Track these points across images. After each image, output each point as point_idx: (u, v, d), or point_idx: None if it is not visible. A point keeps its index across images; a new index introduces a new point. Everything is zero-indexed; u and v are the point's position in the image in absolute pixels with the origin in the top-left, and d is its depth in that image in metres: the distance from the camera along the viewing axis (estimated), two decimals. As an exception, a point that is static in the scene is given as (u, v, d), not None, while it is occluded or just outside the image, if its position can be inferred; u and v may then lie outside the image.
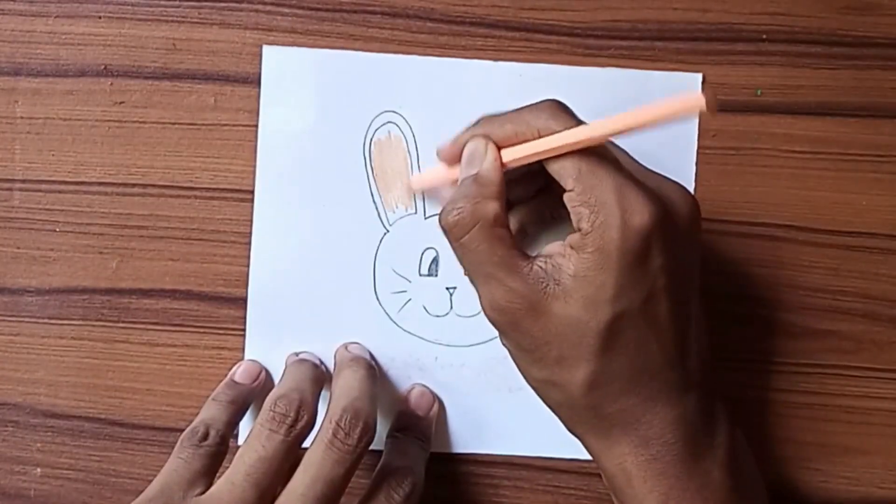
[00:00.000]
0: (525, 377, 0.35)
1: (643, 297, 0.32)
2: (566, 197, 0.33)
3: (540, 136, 0.33)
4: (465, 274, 0.35)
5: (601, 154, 0.33)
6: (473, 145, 0.35)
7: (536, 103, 0.35)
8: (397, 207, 0.42)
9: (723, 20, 0.42)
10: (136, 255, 0.42)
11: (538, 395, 0.35)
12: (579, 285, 0.32)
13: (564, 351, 0.33)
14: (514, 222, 0.38)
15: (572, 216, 0.33)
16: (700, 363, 0.35)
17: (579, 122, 0.33)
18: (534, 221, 0.38)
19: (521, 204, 0.38)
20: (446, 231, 0.34)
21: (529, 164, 0.34)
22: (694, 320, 0.35)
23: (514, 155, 0.34)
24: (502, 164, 0.35)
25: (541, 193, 0.38)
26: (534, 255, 0.34)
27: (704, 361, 0.35)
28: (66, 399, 0.42)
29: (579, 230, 0.32)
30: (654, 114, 0.30)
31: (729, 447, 0.35)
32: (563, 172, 0.33)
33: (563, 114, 0.34)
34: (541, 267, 0.33)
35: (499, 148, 0.35)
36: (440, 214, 0.34)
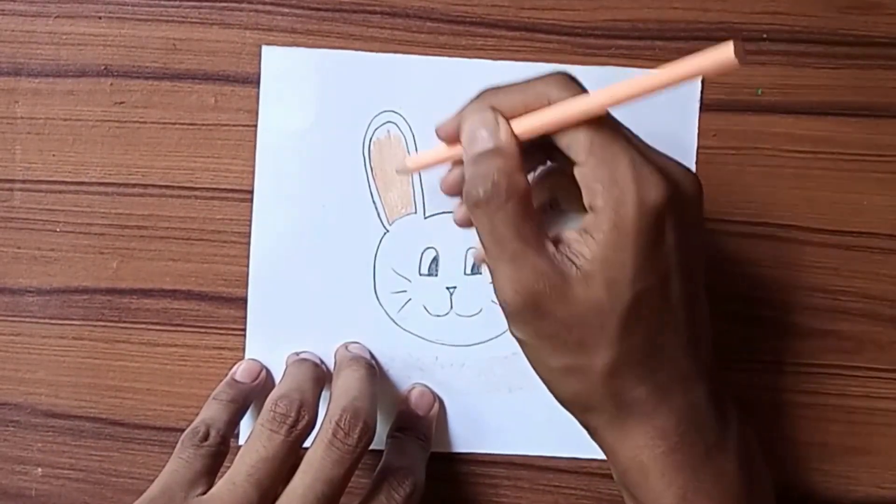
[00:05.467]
0: (539, 369, 0.34)
1: (660, 277, 0.32)
2: (577, 172, 0.32)
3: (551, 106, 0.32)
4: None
5: (614, 128, 0.32)
6: (481, 117, 0.33)
7: (545, 75, 0.33)
8: (398, 208, 0.42)
9: (723, 20, 0.42)
10: (136, 256, 0.42)
11: (552, 388, 0.34)
12: (600, 267, 0.31)
13: (585, 336, 0.32)
14: None
15: (584, 192, 0.31)
16: (708, 352, 0.34)
17: (585, 91, 0.32)
18: (538, 203, 0.36)
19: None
20: (478, 206, 0.32)
21: (532, 140, 0.33)
22: (701, 305, 0.34)
23: (527, 126, 0.32)
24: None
25: (543, 175, 0.36)
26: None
27: (710, 351, 0.35)
28: (66, 399, 0.42)
29: (591, 207, 0.31)
30: (683, 70, 0.28)
31: (740, 440, 0.34)
32: (575, 145, 0.31)
33: (574, 84, 0.32)
34: (563, 252, 0.32)
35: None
36: (466, 188, 0.32)
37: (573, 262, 0.31)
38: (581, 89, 0.32)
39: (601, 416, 0.34)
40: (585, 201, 0.32)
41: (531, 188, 0.32)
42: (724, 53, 0.26)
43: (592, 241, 0.31)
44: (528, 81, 0.33)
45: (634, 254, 0.31)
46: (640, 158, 0.31)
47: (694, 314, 0.33)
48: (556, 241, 0.32)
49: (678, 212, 0.31)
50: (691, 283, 0.33)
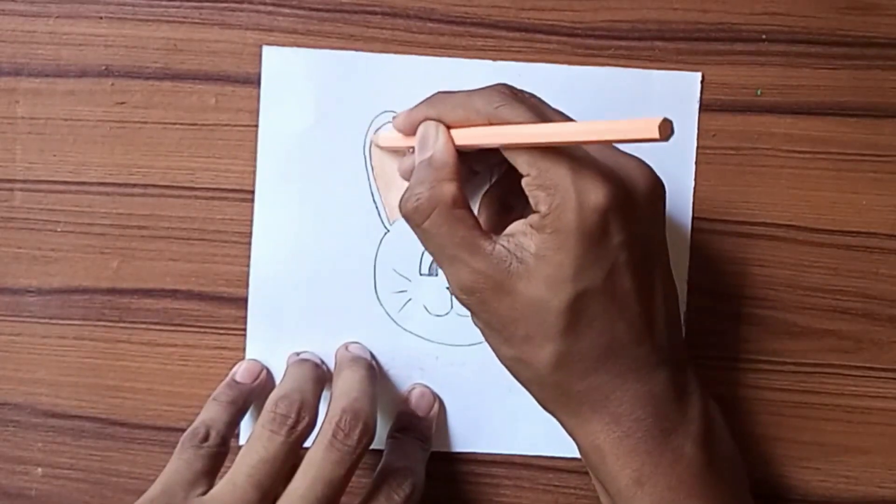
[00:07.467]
0: (496, 355, 0.36)
1: (604, 274, 0.33)
2: (523, 182, 0.33)
3: (490, 123, 0.34)
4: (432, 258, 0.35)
5: None
6: (424, 129, 0.36)
7: (486, 88, 0.35)
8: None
9: (723, 20, 0.42)
10: (136, 255, 0.42)
11: (510, 372, 0.36)
12: (540, 265, 0.32)
13: (530, 330, 0.33)
14: (494, 197, 0.39)
15: (530, 199, 0.33)
16: (669, 338, 0.35)
17: (528, 111, 0.33)
18: (515, 193, 0.38)
19: (501, 177, 0.39)
20: (407, 218, 0.35)
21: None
22: (661, 295, 0.35)
23: (466, 140, 0.35)
24: (455, 146, 0.35)
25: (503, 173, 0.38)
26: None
27: (674, 336, 0.35)
28: (67, 399, 0.42)
29: (538, 212, 0.33)
30: (611, 130, 0.30)
31: (702, 422, 0.35)
32: (518, 157, 0.33)
33: (514, 102, 0.34)
34: (504, 246, 0.33)
35: (454, 128, 0.35)
36: (400, 202, 0.35)
37: (516, 256, 0.33)
38: (521, 103, 0.34)
39: (554, 403, 0.35)
40: (532, 206, 0.33)
41: (461, 195, 0.34)
42: (650, 126, 0.27)
43: (537, 237, 0.33)
44: (470, 94, 0.35)
45: (575, 255, 0.32)
46: (581, 163, 0.32)
47: (649, 304, 0.34)
48: (505, 233, 0.34)
49: (627, 209, 0.33)
50: (646, 275, 0.34)
